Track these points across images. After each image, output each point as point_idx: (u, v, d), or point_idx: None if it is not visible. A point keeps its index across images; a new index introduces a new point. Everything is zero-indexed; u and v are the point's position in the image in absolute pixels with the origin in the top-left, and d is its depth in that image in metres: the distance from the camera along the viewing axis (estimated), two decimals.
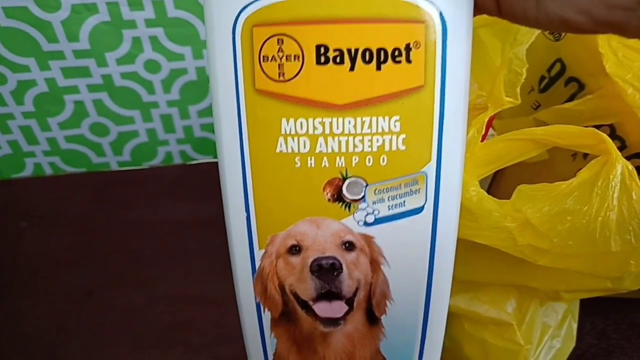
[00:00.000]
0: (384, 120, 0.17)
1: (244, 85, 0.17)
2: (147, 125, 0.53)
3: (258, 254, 0.19)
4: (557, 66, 0.33)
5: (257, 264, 0.19)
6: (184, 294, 0.39)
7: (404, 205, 0.18)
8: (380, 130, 0.17)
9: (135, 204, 0.48)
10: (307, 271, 0.18)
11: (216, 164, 0.19)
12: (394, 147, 0.17)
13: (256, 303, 0.20)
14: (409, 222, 0.18)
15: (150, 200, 0.48)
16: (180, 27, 0.44)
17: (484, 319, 0.30)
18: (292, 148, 0.17)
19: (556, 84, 0.34)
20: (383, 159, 0.18)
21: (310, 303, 0.19)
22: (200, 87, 0.51)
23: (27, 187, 0.52)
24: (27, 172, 0.55)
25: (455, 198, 0.19)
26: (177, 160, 0.57)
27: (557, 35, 0.32)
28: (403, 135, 0.17)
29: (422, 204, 0.18)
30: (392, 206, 0.18)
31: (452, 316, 0.31)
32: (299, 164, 0.18)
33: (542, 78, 0.34)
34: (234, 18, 0.17)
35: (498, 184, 0.37)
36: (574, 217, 0.24)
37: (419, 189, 0.18)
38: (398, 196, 0.18)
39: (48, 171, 0.55)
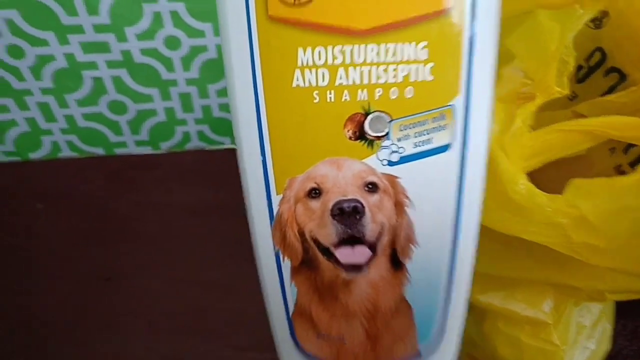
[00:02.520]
0: (410, 46, 0.15)
1: (255, 11, 0.15)
2: (165, 104, 0.50)
3: (275, 199, 0.17)
4: (597, 55, 0.30)
5: (275, 210, 0.17)
6: (202, 279, 0.38)
7: (431, 142, 0.16)
8: (406, 58, 0.15)
9: (153, 188, 0.46)
10: (328, 215, 0.16)
11: (234, 151, 0.16)
12: (420, 78, 0.15)
13: (275, 252, 0.18)
14: (435, 161, 0.16)
15: (169, 185, 0.46)
16: (201, 3, 0.42)
17: (520, 317, 0.28)
18: (309, 81, 0.15)
19: (595, 74, 0.31)
20: (409, 90, 0.15)
21: (332, 249, 0.17)
22: (219, 65, 0.47)
23: (43, 169, 0.49)
24: (45, 151, 0.52)
25: (485, 135, 0.16)
26: (195, 140, 0.54)
27: (597, 23, 0.30)
28: (430, 64, 0.15)
29: (449, 141, 0.16)
30: (418, 143, 0.16)
31: (486, 313, 0.29)
32: (317, 99, 0.15)
33: (580, 68, 0.32)
34: None
35: (532, 179, 0.35)
36: (636, 214, 0.21)
37: (447, 124, 0.16)
38: (424, 132, 0.16)
39: (65, 150, 0.53)
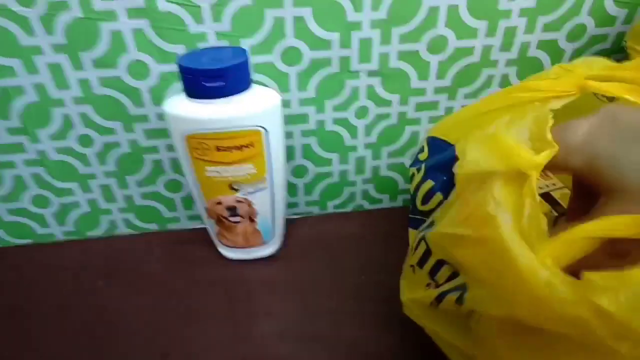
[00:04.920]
0: (247, 166, 0.41)
1: (191, 157, 0.40)
2: (87, 196, 0.52)
3: (206, 204, 0.45)
4: None
5: (206, 207, 0.45)
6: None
7: (259, 187, 0.43)
8: (245, 169, 0.41)
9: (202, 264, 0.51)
10: (225, 208, 0.45)
11: None
12: (251, 172, 0.42)
13: (207, 217, 0.46)
14: (261, 192, 0.44)
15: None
16: (107, 103, 0.45)
17: None
18: (211, 174, 0.41)
19: None
20: (248, 176, 0.42)
21: (228, 217, 0.46)
22: (135, 158, 0.50)
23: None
24: None
25: (279, 184, 0.44)
26: (122, 228, 0.56)
27: None
28: (255, 169, 0.41)
29: (266, 187, 0.43)
30: (254, 189, 0.43)
31: None
32: (215, 179, 0.42)
33: None
34: (184, 135, 0.38)
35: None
36: None
37: (264, 182, 0.43)
38: (256, 185, 0.43)
39: None
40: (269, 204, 0.45)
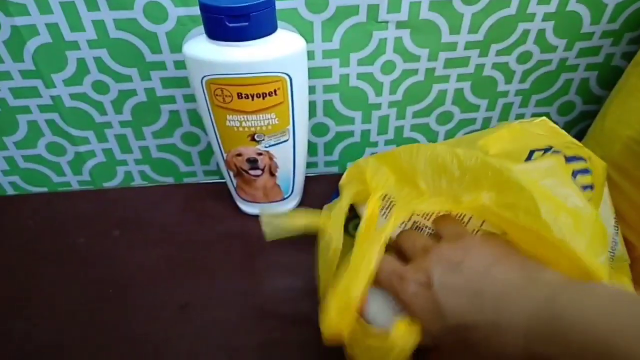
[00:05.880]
0: (269, 115, 0.39)
1: (211, 104, 0.38)
2: (102, 146, 0.51)
3: (226, 155, 0.43)
4: None
5: (226, 158, 0.43)
6: (277, 310, 0.39)
7: (281, 140, 0.41)
8: (268, 119, 0.39)
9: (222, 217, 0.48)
10: (245, 160, 0.43)
11: None
12: (273, 123, 0.39)
13: (227, 169, 0.44)
14: (283, 145, 0.42)
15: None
16: (123, 48, 0.43)
17: None
18: (232, 124, 0.39)
19: None
20: (269, 127, 0.40)
21: (249, 170, 0.44)
22: (151, 108, 0.48)
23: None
24: None
25: (302, 138, 0.42)
26: (138, 179, 0.54)
27: None
28: (277, 120, 0.39)
29: (287, 139, 0.41)
30: (276, 141, 0.41)
31: None
32: (236, 129, 0.40)
33: None
34: (204, 80, 0.36)
35: None
36: None
37: (287, 134, 0.41)
38: (278, 137, 0.41)
39: (9, 190, 0.54)
40: (290, 158, 0.43)
